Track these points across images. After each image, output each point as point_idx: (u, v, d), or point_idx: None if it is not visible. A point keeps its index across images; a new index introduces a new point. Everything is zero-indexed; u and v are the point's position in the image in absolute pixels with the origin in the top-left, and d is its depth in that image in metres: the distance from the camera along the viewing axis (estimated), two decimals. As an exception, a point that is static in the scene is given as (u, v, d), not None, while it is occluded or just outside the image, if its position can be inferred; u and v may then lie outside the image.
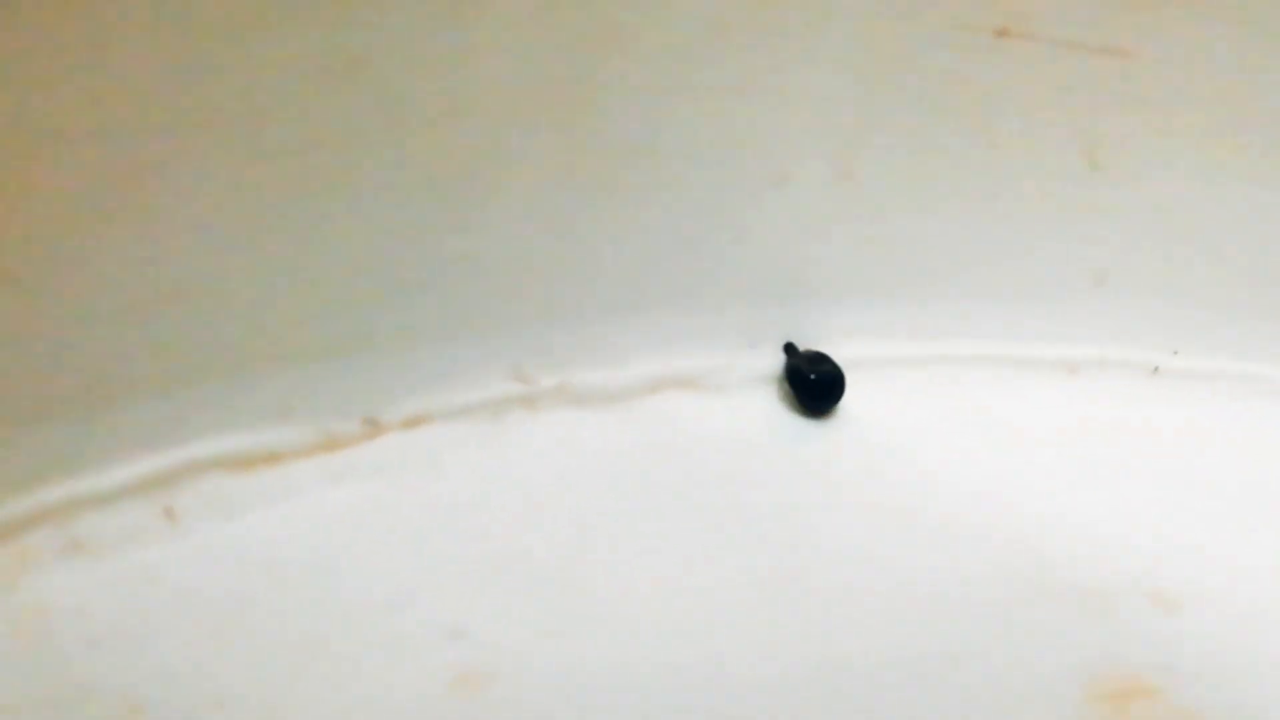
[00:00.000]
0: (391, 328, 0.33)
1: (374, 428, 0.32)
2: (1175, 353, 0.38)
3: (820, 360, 0.36)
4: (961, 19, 0.35)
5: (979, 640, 0.30)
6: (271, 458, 0.31)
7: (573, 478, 0.33)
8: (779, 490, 0.33)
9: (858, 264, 0.37)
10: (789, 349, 0.36)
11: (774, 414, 0.36)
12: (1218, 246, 0.38)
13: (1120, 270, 0.38)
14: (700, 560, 0.31)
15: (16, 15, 0.25)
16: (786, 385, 0.36)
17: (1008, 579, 0.31)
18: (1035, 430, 0.36)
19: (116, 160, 0.27)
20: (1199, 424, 0.37)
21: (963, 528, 0.33)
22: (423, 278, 0.33)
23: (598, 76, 0.33)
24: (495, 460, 0.33)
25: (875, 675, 0.28)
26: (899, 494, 0.34)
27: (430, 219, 0.32)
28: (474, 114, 0.31)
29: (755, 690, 0.28)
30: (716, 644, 0.29)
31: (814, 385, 0.36)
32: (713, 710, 0.27)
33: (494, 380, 0.34)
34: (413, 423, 0.33)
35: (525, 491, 0.32)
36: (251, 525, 0.29)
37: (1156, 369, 0.38)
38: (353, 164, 0.31)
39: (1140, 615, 0.30)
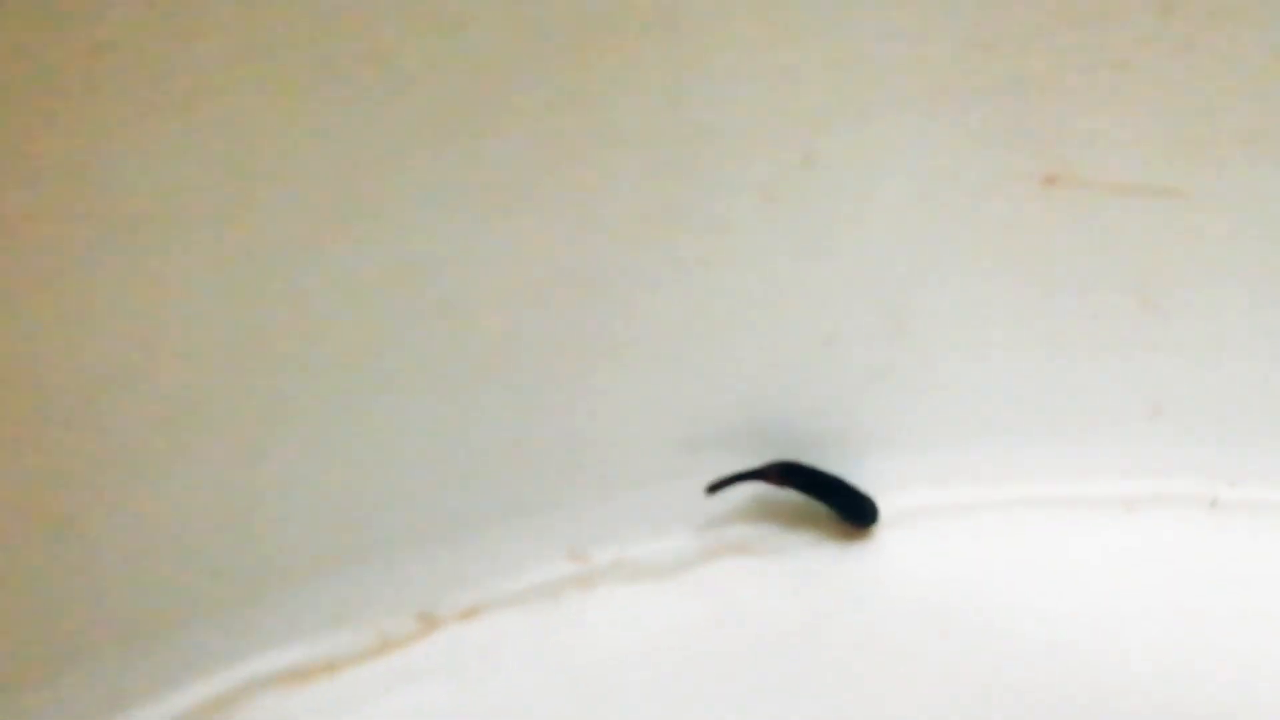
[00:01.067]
0: (442, 519, 0.32)
1: (429, 624, 0.31)
2: (1233, 484, 0.37)
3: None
4: (1010, 169, 0.35)
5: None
6: (328, 668, 0.30)
7: (630, 660, 0.32)
8: (842, 660, 0.33)
9: (909, 414, 0.37)
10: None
11: (830, 574, 0.35)
12: (1271, 378, 0.37)
13: (1174, 404, 0.38)
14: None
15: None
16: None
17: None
18: (1095, 573, 0.36)
19: (157, 400, 0.26)
20: (1260, 556, 0.36)
21: (1034, 697, 0.32)
22: (471, 467, 0.32)
23: (645, 251, 0.32)
24: (552, 647, 0.32)
25: None
26: (968, 657, 0.33)
27: (476, 409, 0.32)
28: (519, 306, 0.31)
29: None
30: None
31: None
32: None
33: (549, 561, 0.33)
34: (469, 614, 0.32)
35: (583, 680, 0.31)
36: (311, 747, 0.28)
37: (1215, 502, 0.37)
38: (399, 364, 0.30)
39: None
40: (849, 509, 0.35)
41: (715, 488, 0.34)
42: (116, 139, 0.25)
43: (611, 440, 0.34)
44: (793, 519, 0.36)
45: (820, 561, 0.36)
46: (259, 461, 0.29)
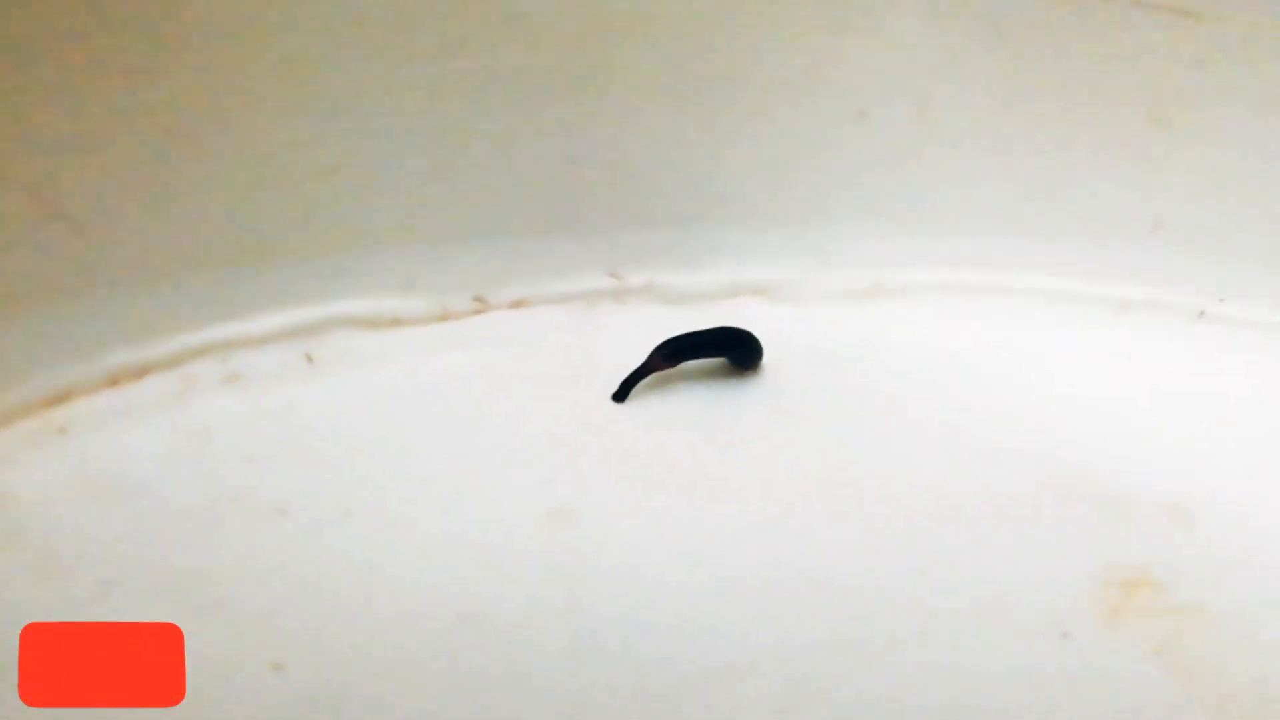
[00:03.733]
0: (505, 219, 0.37)
1: (483, 305, 0.37)
2: (1221, 300, 0.40)
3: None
4: (1041, -27, 0.38)
5: (1005, 534, 0.33)
6: (396, 322, 0.35)
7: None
8: (830, 396, 0.37)
9: (929, 195, 0.40)
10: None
11: (839, 327, 0.39)
12: (1269, 203, 0.40)
13: (1175, 219, 0.40)
14: (749, 446, 0.35)
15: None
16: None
17: (1039, 486, 0.34)
18: (1081, 360, 0.39)
19: (284, 59, 0.31)
20: (1236, 365, 0.39)
21: (1001, 440, 0.36)
22: (534, 177, 0.37)
23: (698, 6, 0.36)
24: (587, 342, 0.37)
25: (907, 561, 0.32)
26: (949, 408, 0.37)
27: (543, 126, 0.36)
28: (591, 35, 0.35)
29: (795, 566, 0.31)
30: (758, 518, 0.32)
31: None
32: (754, 569, 0.31)
33: (590, 275, 0.38)
34: (517, 304, 0.37)
35: (612, 370, 0.36)
36: (377, 375, 0.34)
37: (1202, 313, 0.40)
38: (480, 71, 0.34)
39: (1156, 522, 0.33)
40: (740, 357, 0.37)
41: (621, 395, 0.35)
42: None
43: (656, 178, 0.38)
44: (811, 275, 0.40)
45: (832, 315, 0.40)
46: (362, 138, 0.34)
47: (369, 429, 0.32)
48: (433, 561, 0.29)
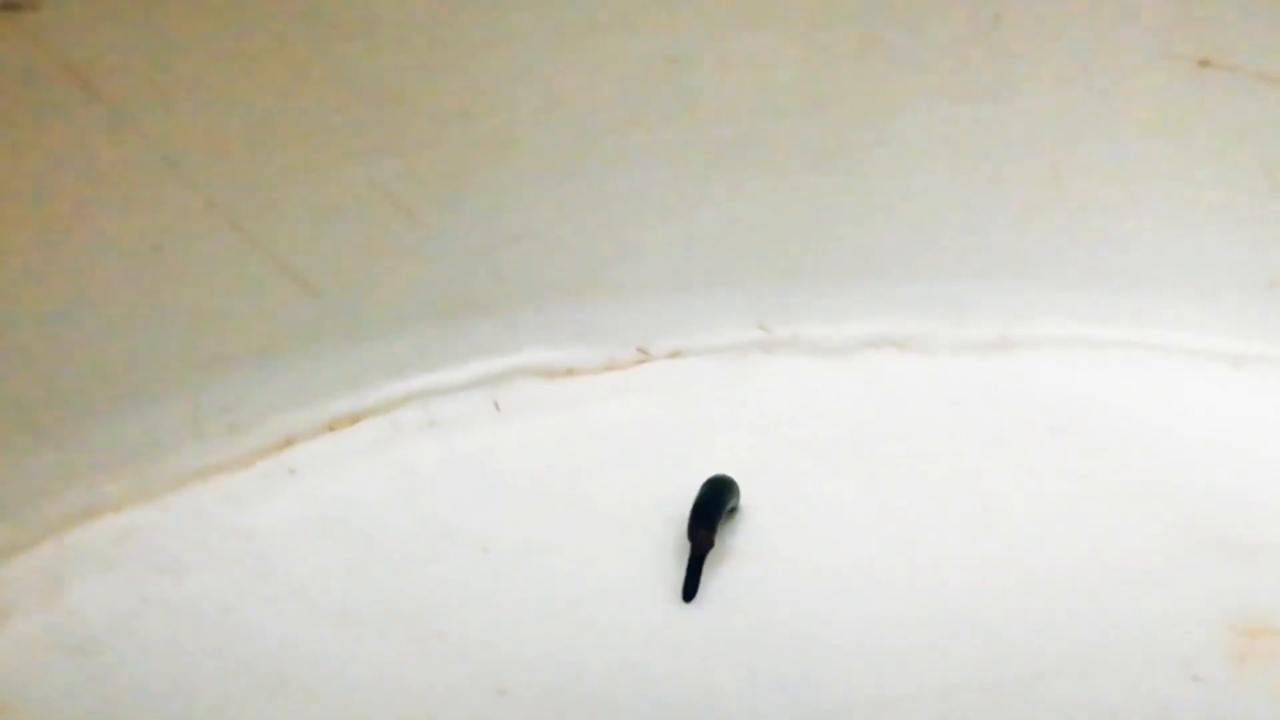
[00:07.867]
0: (660, 276, 0.40)
1: (644, 356, 0.40)
2: None
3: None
4: (1170, 49, 0.40)
5: (1135, 578, 0.35)
6: (570, 372, 0.38)
7: (798, 411, 0.39)
8: (961, 443, 0.39)
9: (1056, 254, 0.42)
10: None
11: (971, 379, 0.41)
12: None
13: None
14: (889, 490, 0.37)
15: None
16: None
17: (1164, 533, 0.36)
18: (1199, 412, 0.41)
19: (495, 141, 0.35)
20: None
21: (1125, 488, 0.38)
22: (694, 238, 0.40)
23: (848, 81, 0.39)
24: (738, 391, 0.40)
25: (1046, 601, 0.34)
26: (1074, 456, 0.39)
27: (706, 194, 0.39)
28: (754, 113, 0.38)
29: (941, 606, 0.33)
30: (906, 563, 0.35)
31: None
32: (906, 609, 0.34)
33: (740, 327, 0.41)
34: (675, 354, 0.40)
35: (761, 419, 0.39)
36: (556, 421, 0.37)
37: None
38: (656, 147, 0.38)
39: (1276, 569, 0.35)
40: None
41: (690, 594, 0.33)
42: None
43: (802, 238, 0.41)
44: (946, 328, 0.43)
45: (963, 367, 0.42)
46: (541, 205, 0.37)
47: (552, 472, 0.35)
48: (622, 597, 0.32)
